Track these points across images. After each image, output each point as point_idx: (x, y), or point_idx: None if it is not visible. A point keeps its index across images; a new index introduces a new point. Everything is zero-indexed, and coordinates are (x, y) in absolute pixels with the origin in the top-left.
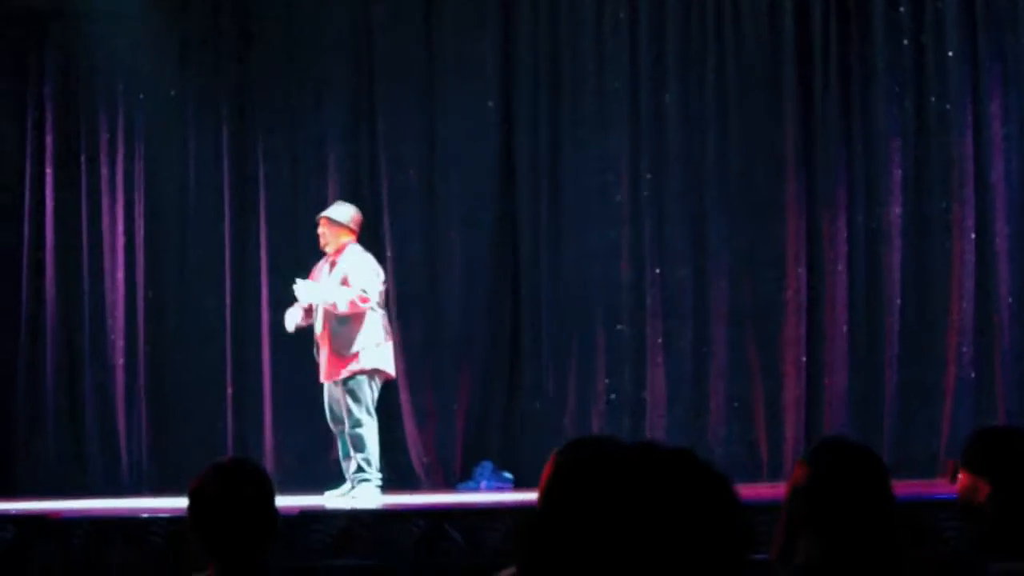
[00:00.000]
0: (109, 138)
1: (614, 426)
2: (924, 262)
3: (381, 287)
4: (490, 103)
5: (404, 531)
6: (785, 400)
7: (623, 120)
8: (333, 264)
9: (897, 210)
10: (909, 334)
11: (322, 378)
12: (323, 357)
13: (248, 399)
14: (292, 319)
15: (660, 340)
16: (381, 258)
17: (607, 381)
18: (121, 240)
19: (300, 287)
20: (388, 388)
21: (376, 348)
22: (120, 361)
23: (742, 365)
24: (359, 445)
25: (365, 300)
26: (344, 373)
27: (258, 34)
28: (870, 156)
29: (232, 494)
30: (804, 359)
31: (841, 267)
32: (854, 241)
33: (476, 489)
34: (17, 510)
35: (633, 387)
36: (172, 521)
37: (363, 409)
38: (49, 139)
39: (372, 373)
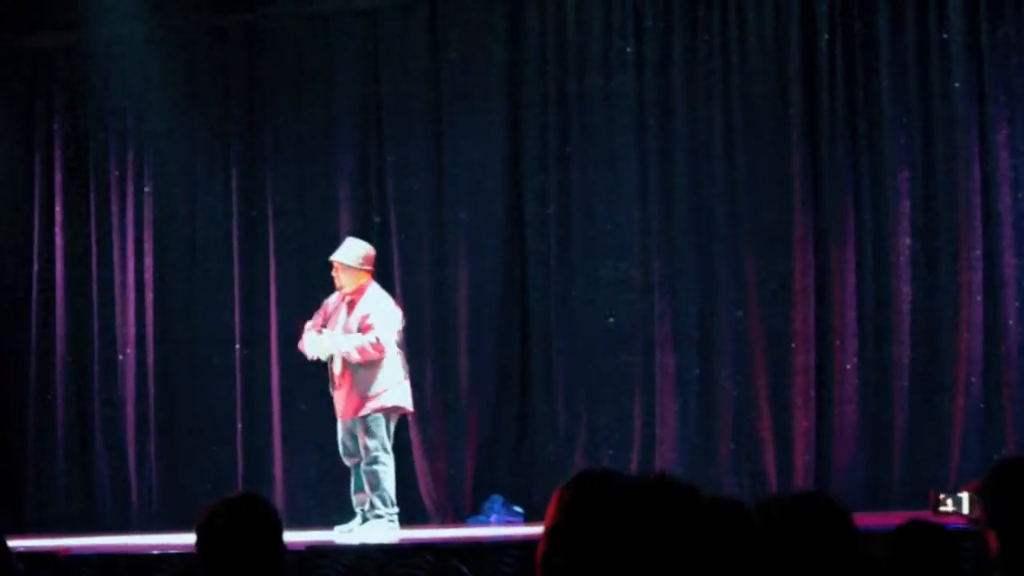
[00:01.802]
0: (118, 175)
1: (624, 458)
2: (932, 293)
3: (399, 328)
4: (498, 138)
5: (413, 566)
6: (795, 431)
7: (631, 154)
8: (352, 304)
9: (906, 241)
10: (918, 365)
11: (340, 416)
12: (341, 396)
13: (258, 434)
14: (315, 349)
15: (669, 372)
16: (390, 291)
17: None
18: (131, 276)
19: (310, 342)
20: (398, 423)
21: (396, 386)
22: (130, 397)
23: (751, 397)
24: (375, 482)
25: (380, 350)
26: (364, 411)
27: (266, 69)
28: (878, 188)
29: (240, 530)
30: (813, 391)
31: (850, 298)
32: (862, 272)
33: (486, 523)
34: (26, 547)
35: (643, 419)
36: (181, 557)
37: (380, 446)
38: (58, 177)
39: (391, 411)
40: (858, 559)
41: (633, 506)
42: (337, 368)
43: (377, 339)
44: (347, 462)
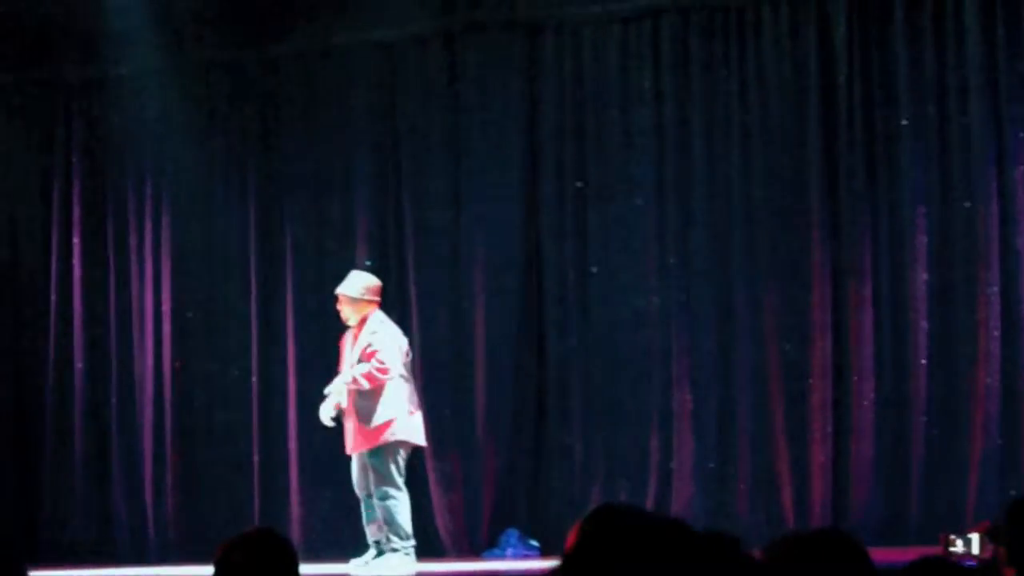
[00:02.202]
0: (136, 207)
1: (641, 491)
2: (950, 328)
3: (405, 357)
4: (516, 169)
5: None
6: (812, 467)
7: (649, 186)
8: (355, 337)
9: (923, 276)
10: (936, 401)
11: (348, 450)
12: (349, 430)
13: (274, 466)
14: (327, 413)
15: (686, 406)
16: (407, 324)
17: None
18: (149, 308)
19: (324, 410)
20: (414, 455)
21: (402, 419)
22: (147, 428)
23: (768, 432)
24: (389, 517)
25: (384, 372)
26: (370, 444)
27: (284, 102)
28: (895, 222)
29: (257, 564)
30: (831, 426)
31: (867, 333)
32: (880, 307)
33: (502, 557)
34: None
35: (660, 453)
36: None
37: (389, 481)
38: (76, 210)
39: (397, 445)
40: None
41: (652, 544)
42: (344, 401)
43: (381, 362)
44: (359, 493)
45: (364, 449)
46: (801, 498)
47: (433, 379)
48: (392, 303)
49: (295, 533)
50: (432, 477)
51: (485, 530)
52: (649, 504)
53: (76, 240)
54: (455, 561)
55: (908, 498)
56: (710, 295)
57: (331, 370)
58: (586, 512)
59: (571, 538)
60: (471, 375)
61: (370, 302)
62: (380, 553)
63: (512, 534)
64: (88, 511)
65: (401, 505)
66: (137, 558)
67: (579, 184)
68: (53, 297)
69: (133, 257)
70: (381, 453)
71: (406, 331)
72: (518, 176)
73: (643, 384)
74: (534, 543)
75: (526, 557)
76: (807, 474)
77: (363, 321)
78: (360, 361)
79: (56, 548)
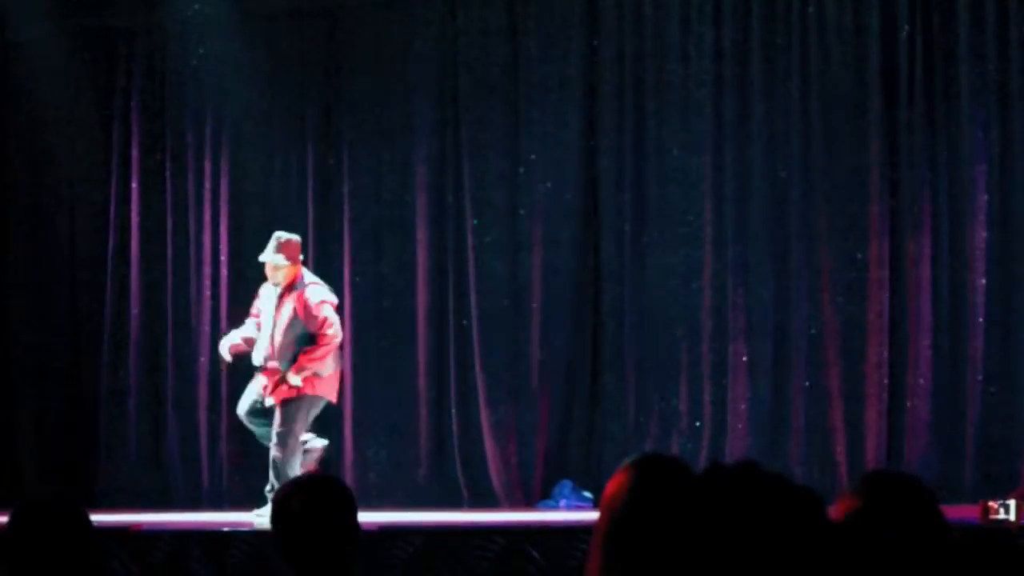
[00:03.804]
0: (195, 153)
1: (695, 446)
2: (1008, 286)
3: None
4: (575, 122)
5: (484, 549)
6: (867, 422)
7: (707, 141)
8: (283, 297)
9: (982, 234)
10: (993, 357)
11: (266, 393)
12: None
13: (328, 413)
14: (225, 350)
15: (742, 360)
16: (464, 274)
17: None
18: (207, 254)
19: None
20: (468, 406)
21: (329, 376)
22: (203, 375)
23: (824, 387)
24: (279, 466)
25: (336, 337)
26: (291, 395)
27: (346, 51)
28: (955, 180)
29: (315, 510)
30: (886, 382)
31: (925, 290)
32: (938, 265)
33: (556, 508)
34: (98, 522)
35: (714, 406)
36: (253, 535)
37: (292, 431)
38: (135, 153)
39: (315, 399)
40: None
41: (698, 493)
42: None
43: (333, 332)
44: (241, 414)
45: (286, 398)
46: (855, 454)
47: (489, 330)
48: (449, 252)
49: (348, 480)
50: (486, 428)
51: (539, 481)
52: (703, 457)
53: (135, 185)
54: (508, 511)
55: (963, 457)
56: (767, 248)
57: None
58: (628, 462)
59: (616, 484)
60: (527, 326)
61: (296, 262)
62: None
63: (566, 485)
64: (143, 456)
65: (295, 457)
66: (192, 503)
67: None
68: (111, 242)
69: (191, 202)
70: (299, 401)
71: (463, 281)
72: (577, 128)
73: (698, 337)
74: (587, 494)
75: (579, 508)
76: (861, 430)
77: (292, 282)
78: (295, 320)
79: (112, 492)
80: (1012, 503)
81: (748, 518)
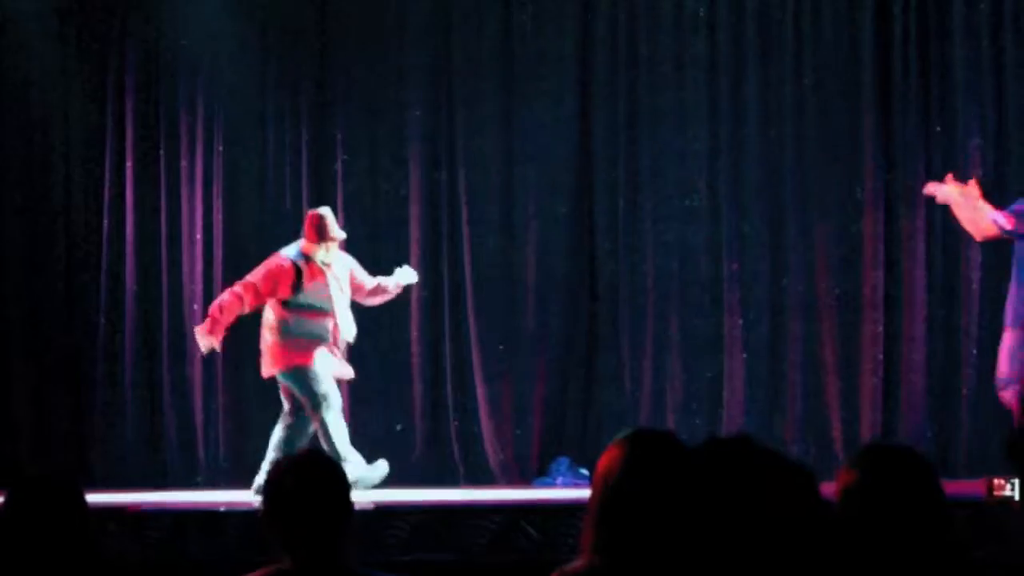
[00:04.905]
0: (188, 129)
1: (690, 421)
2: (1003, 260)
3: None
4: (568, 100)
5: (480, 526)
6: (862, 397)
7: (701, 116)
8: (332, 268)
9: None
10: (987, 334)
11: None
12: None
13: None
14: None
15: (737, 335)
16: (459, 251)
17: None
18: (200, 233)
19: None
20: (464, 383)
21: None
22: (198, 354)
23: (819, 362)
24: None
25: None
26: None
27: (339, 28)
28: (950, 154)
29: (307, 487)
30: (881, 356)
31: (920, 265)
32: (932, 239)
33: (552, 485)
34: (95, 502)
35: (709, 382)
36: (249, 514)
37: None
38: (129, 131)
39: None
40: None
41: (692, 467)
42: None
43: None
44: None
45: None
46: (850, 428)
47: (484, 306)
48: (443, 229)
49: None
50: (482, 405)
51: (535, 458)
52: (700, 432)
53: (129, 163)
54: (505, 488)
55: (958, 430)
56: (761, 223)
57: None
58: (620, 437)
59: (610, 457)
60: (522, 302)
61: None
62: None
63: (562, 462)
64: (139, 433)
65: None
66: (187, 482)
67: None
68: (106, 222)
69: (184, 179)
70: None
71: (457, 258)
72: (570, 103)
73: (693, 312)
74: (584, 471)
75: (576, 485)
76: (856, 405)
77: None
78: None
79: (107, 471)
80: (1017, 481)
81: (741, 492)
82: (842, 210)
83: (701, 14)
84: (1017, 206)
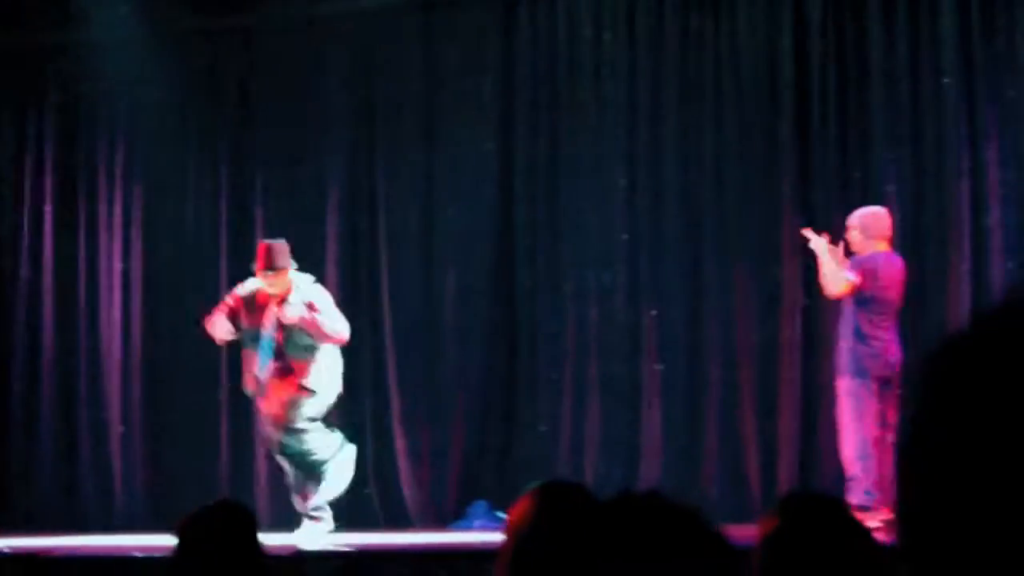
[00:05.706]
0: (108, 175)
1: (608, 466)
2: (922, 307)
3: None
4: (489, 144)
5: (394, 572)
6: (780, 441)
7: (620, 161)
8: (279, 301)
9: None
10: (910, 370)
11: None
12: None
13: (243, 437)
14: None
15: (655, 381)
16: (378, 295)
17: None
18: (118, 278)
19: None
20: (383, 426)
21: None
22: (115, 397)
23: (738, 406)
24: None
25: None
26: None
27: (259, 72)
28: (868, 201)
29: (216, 538)
30: (799, 402)
31: (838, 310)
32: None
33: (469, 528)
34: (10, 547)
35: (628, 428)
36: (166, 560)
37: None
38: (48, 177)
39: None
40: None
41: (600, 522)
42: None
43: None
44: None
45: None
46: (768, 472)
47: (403, 350)
48: (363, 274)
49: (263, 503)
50: (400, 448)
51: (452, 502)
52: (617, 477)
53: (48, 208)
54: (421, 532)
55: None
56: (681, 268)
57: None
58: (531, 488)
59: (522, 510)
60: (441, 347)
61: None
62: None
63: (480, 506)
64: (56, 478)
65: None
66: (104, 526)
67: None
68: (23, 266)
69: (103, 225)
70: None
71: (376, 302)
72: (491, 147)
73: (612, 358)
74: (502, 515)
75: (494, 529)
76: (775, 450)
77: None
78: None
79: (25, 514)
80: None
81: (650, 548)
82: (761, 255)
83: (620, 60)
84: (867, 263)
